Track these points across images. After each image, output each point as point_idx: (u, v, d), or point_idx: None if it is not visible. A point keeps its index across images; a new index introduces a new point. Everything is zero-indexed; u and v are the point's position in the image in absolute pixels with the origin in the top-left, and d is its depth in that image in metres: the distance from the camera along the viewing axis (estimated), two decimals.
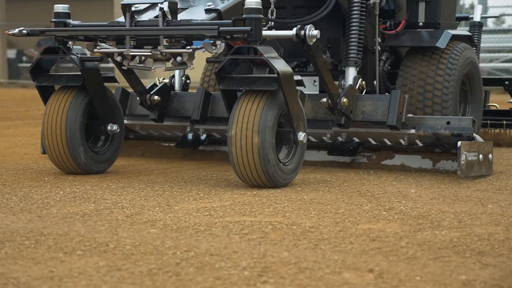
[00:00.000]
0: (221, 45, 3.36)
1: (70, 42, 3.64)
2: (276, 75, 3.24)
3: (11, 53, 17.28)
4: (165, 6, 3.44)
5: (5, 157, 4.45)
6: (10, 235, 2.48)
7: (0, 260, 2.19)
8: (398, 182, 3.60)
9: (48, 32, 3.70)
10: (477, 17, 5.42)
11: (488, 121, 5.17)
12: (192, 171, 3.91)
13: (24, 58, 17.48)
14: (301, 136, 3.41)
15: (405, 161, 3.93)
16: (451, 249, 2.36)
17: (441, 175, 3.81)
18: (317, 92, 4.16)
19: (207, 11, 3.54)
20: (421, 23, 4.45)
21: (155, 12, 3.56)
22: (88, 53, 3.69)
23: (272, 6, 3.90)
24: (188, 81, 4.46)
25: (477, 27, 5.37)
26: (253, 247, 2.35)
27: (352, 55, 3.94)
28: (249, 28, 3.27)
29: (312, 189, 3.39)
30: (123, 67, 3.62)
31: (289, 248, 2.35)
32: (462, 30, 5.36)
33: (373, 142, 3.94)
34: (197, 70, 3.99)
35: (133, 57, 3.57)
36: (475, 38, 5.20)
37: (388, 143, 3.91)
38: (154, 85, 4.14)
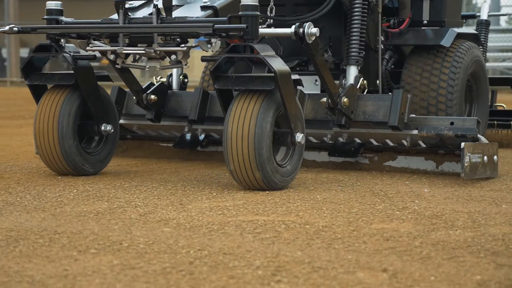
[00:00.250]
0: (216, 43, 3.30)
1: (62, 40, 3.58)
2: (273, 74, 3.17)
3: (24, 52, 17.35)
4: (160, 3, 3.38)
5: (19, 156, 4.46)
6: (24, 233, 2.49)
7: (15, 258, 2.20)
8: (411, 182, 3.59)
9: (40, 30, 3.63)
10: (484, 15, 5.33)
11: (495, 122, 5.08)
12: (204, 170, 3.92)
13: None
14: (299, 137, 3.33)
15: (408, 162, 3.85)
16: (465, 249, 2.35)
17: (455, 175, 3.76)
18: (318, 92, 4.09)
19: (203, 8, 3.48)
20: (425, 21, 4.37)
21: (150, 9, 3.49)
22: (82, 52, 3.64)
23: (272, 4, 3.83)
24: (186, 80, 4.39)
25: (484, 26, 5.28)
26: (267, 246, 2.35)
27: (353, 54, 3.86)
28: (245, 25, 3.20)
29: (325, 189, 3.38)
30: (116, 66, 3.56)
31: (303, 247, 2.35)
32: (468, 28, 5.26)
33: (375, 143, 3.87)
34: (197, 69, 3.93)
35: (127, 55, 3.51)
36: (482, 37, 5.13)
37: (391, 144, 3.84)
38: (151, 84, 4.07)
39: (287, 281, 2.00)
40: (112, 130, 3.73)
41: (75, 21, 3.62)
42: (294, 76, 3.29)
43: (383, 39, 4.17)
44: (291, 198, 3.14)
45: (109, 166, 4.02)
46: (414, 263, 2.18)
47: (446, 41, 4.18)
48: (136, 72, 4.55)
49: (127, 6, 3.47)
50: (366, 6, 3.90)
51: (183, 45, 3.34)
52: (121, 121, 4.23)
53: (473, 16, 5.56)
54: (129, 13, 3.47)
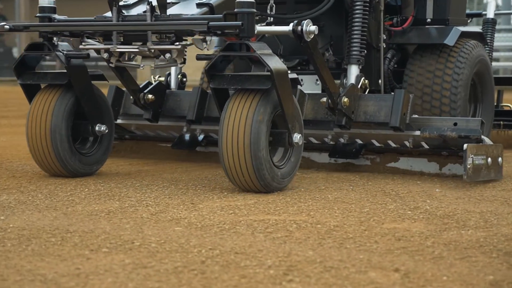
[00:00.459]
0: (211, 41, 3.23)
1: (54, 38, 3.49)
2: (269, 73, 3.09)
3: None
4: (154, 0, 3.31)
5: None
6: (37, 232, 2.50)
7: (27, 256, 2.21)
8: (422, 182, 3.58)
9: (32, 28, 3.56)
10: (490, 14, 5.22)
11: (502, 122, 4.97)
12: (215, 170, 3.91)
13: (47, 57, 17.55)
14: (297, 137, 3.25)
15: (410, 164, 3.76)
16: (477, 249, 2.34)
17: (458, 177, 3.67)
18: (319, 92, 4.00)
19: (199, 5, 3.41)
20: (429, 20, 4.28)
21: (145, 7, 3.39)
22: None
23: (272, 1, 3.76)
24: (184, 79, 4.31)
25: (490, 24, 5.17)
26: (278, 246, 2.35)
27: (354, 53, 3.77)
28: (240, 23, 3.11)
29: (336, 188, 3.38)
30: (110, 65, 3.49)
31: (314, 247, 2.35)
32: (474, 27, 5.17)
33: (377, 144, 3.78)
34: (196, 68, 3.85)
35: (121, 54, 3.43)
36: (488, 36, 5.03)
37: (393, 145, 3.75)
38: (149, 83, 4.00)
39: (299, 280, 2.00)
40: (107, 131, 3.66)
41: (68, 19, 3.54)
42: (292, 75, 3.22)
43: (385, 37, 4.08)
44: (302, 198, 3.14)
45: (120, 165, 4.04)
46: (426, 263, 2.18)
47: (450, 40, 4.10)
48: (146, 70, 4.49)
49: (121, 3, 3.41)
50: (368, 4, 3.81)
51: (177, 43, 3.28)
52: (119, 121, 4.18)
53: (479, 15, 5.46)
54: (123, 11, 3.39)
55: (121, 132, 4.28)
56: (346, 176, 3.71)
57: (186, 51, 4.28)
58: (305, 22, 3.29)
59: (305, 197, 3.15)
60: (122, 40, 3.39)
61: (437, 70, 4.07)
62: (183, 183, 3.48)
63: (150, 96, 3.89)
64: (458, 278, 2.04)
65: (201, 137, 4.07)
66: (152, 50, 3.31)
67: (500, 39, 11.50)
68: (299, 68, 4.16)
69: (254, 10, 3.16)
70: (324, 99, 3.61)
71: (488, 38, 5.04)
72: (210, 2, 3.41)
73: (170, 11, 3.39)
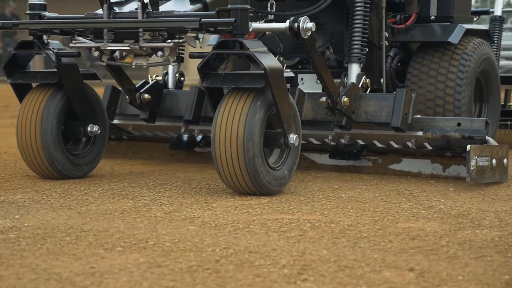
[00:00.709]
0: (204, 39, 3.14)
1: (44, 36, 3.41)
2: (263, 71, 2.98)
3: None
4: None
5: None
6: (51, 231, 2.51)
7: (42, 255, 2.22)
8: (436, 181, 3.57)
9: (21, 26, 3.49)
10: (498, 11, 5.08)
11: (509, 122, 4.85)
12: None
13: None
14: (293, 138, 3.14)
15: (413, 165, 3.67)
16: (492, 248, 2.33)
17: (462, 179, 3.59)
18: (320, 91, 3.88)
19: (192, 1, 3.34)
20: (433, 17, 4.16)
21: (137, 3, 3.29)
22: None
23: None
24: (182, 78, 4.21)
25: (498, 22, 5.03)
26: (292, 245, 2.35)
27: (355, 51, 3.66)
28: (233, 19, 3.01)
29: (350, 187, 3.37)
30: (101, 63, 3.41)
31: (328, 246, 2.35)
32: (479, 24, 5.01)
33: (379, 145, 3.68)
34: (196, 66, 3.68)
35: (113, 52, 3.34)
36: (495, 34, 4.90)
37: (395, 146, 3.65)
38: (145, 82, 3.91)
39: (314, 279, 2.00)
40: (99, 131, 3.57)
41: (58, 17, 3.46)
42: (288, 74, 3.14)
43: (387, 35, 3.97)
44: (315, 197, 3.14)
45: (134, 164, 4.05)
46: (441, 263, 2.17)
47: (454, 38, 3.98)
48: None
49: (112, 0, 3.32)
50: (369, 1, 3.71)
51: (169, 40, 3.19)
52: (116, 121, 4.11)
53: (486, 12, 5.34)
54: (115, 8, 3.31)
55: (118, 132, 4.21)
56: (359, 175, 3.70)
57: (183, 49, 4.16)
58: (302, 19, 3.20)
59: (318, 196, 3.15)
60: (113, 38, 3.30)
61: (441, 68, 3.97)
62: (197, 182, 3.48)
63: (146, 95, 3.81)
64: (473, 277, 2.03)
65: (199, 137, 3.99)
66: (144, 48, 3.23)
67: None
68: (299, 66, 4.07)
69: (248, 6, 3.06)
70: (324, 99, 3.52)
71: (495, 36, 4.91)
72: None
73: (164, 7, 3.32)
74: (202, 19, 3.02)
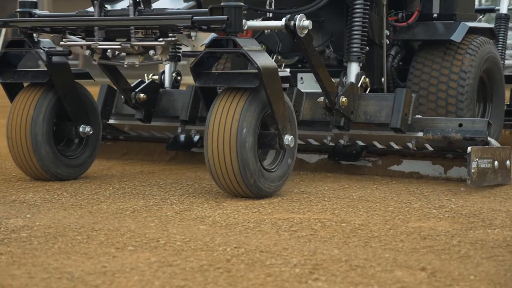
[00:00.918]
0: (197, 37, 3.07)
1: (34, 35, 3.34)
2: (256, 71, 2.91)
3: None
4: None
5: None
6: (63, 230, 2.52)
7: (54, 254, 2.22)
8: (447, 180, 3.55)
9: (11, 23, 3.42)
10: (503, 9, 4.97)
11: None
12: None
13: (71, 56, 17.62)
14: (288, 139, 3.06)
15: (413, 167, 3.60)
16: (504, 248, 2.33)
17: (463, 181, 3.52)
18: (320, 90, 3.71)
19: None
20: (435, 15, 4.05)
21: (128, 1, 3.23)
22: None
23: None
24: (179, 77, 4.13)
25: (504, 20, 4.93)
26: (303, 244, 2.35)
27: (354, 49, 3.57)
28: (226, 17, 2.94)
29: (360, 187, 3.37)
30: (93, 62, 3.34)
31: (339, 245, 2.35)
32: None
33: (379, 146, 3.61)
34: None
35: (104, 50, 3.27)
36: (501, 32, 4.81)
37: (395, 147, 3.57)
38: (141, 81, 3.84)
39: (325, 279, 2.00)
40: (92, 132, 3.50)
41: (48, 14, 3.39)
42: (283, 73, 3.07)
43: (388, 33, 3.88)
44: (326, 196, 3.14)
45: (144, 164, 4.04)
46: (452, 262, 2.17)
47: (457, 36, 3.87)
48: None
49: None
50: None
51: (161, 39, 3.12)
52: (112, 121, 4.05)
53: (492, 10, 5.21)
54: (107, 6, 3.24)
55: (115, 132, 4.15)
56: (369, 175, 3.69)
57: (180, 48, 4.07)
58: (298, 16, 3.13)
59: (329, 196, 3.15)
60: (105, 36, 3.24)
61: (443, 68, 3.87)
62: (207, 182, 3.49)
63: (142, 95, 3.74)
64: (485, 277, 2.02)
65: (196, 138, 3.92)
66: (136, 47, 3.16)
67: None
68: (299, 65, 3.98)
69: (242, 4, 2.99)
70: (321, 99, 3.44)
71: (500, 35, 4.81)
72: None
73: (157, 5, 3.26)
74: (194, 17, 2.96)
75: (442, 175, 3.56)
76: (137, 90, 3.74)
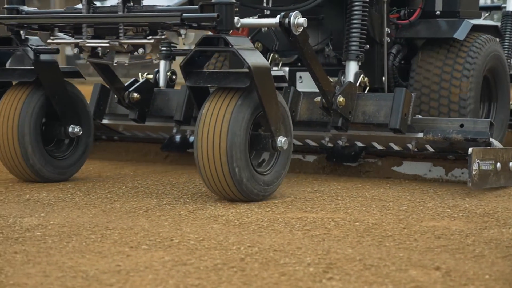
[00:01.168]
0: (187, 35, 2.99)
1: (21, 32, 3.27)
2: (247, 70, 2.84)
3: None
4: None
5: None
6: (77, 229, 2.53)
7: (68, 253, 2.24)
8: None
9: None
10: (510, 7, 4.82)
11: None
12: None
13: (82, 55, 17.66)
14: (282, 141, 2.98)
15: (414, 168, 3.54)
16: None
17: (464, 183, 3.46)
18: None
19: None
20: (438, 12, 3.94)
21: None
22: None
23: None
24: (174, 76, 4.04)
25: (510, 18, 4.78)
26: (317, 244, 2.35)
27: (353, 48, 3.48)
28: (216, 14, 2.86)
29: (373, 186, 3.36)
30: (83, 60, 3.38)
31: (353, 244, 2.35)
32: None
33: (379, 147, 3.54)
34: None
35: (93, 48, 3.20)
36: (507, 30, 4.68)
37: (395, 148, 3.50)
38: (135, 80, 3.76)
39: (339, 278, 2.00)
40: (81, 132, 3.43)
41: (36, 11, 3.33)
42: (277, 72, 3.00)
43: (389, 31, 3.78)
44: (339, 195, 3.14)
45: (157, 163, 4.04)
46: (467, 262, 2.16)
47: (460, 34, 3.78)
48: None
49: None
50: None
51: (150, 37, 3.06)
52: (105, 121, 3.99)
53: (499, 8, 5.07)
54: (95, 2, 3.17)
55: (109, 133, 4.09)
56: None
57: (176, 46, 3.97)
58: (292, 14, 3.04)
59: (342, 195, 3.15)
60: (93, 34, 3.18)
61: (445, 66, 3.78)
62: None
63: (135, 95, 3.66)
64: (500, 276, 2.02)
65: (192, 138, 3.85)
66: (126, 45, 3.10)
67: None
68: (299, 64, 3.89)
69: (233, 1, 2.92)
70: (318, 98, 3.36)
71: (507, 33, 4.68)
72: None
73: (146, 2, 3.19)
74: (184, 14, 2.89)
75: (443, 177, 3.50)
76: (130, 89, 3.66)
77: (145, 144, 4.19)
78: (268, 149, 3.02)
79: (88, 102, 3.68)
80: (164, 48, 4.00)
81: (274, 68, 3.82)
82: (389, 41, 3.79)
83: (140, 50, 3.09)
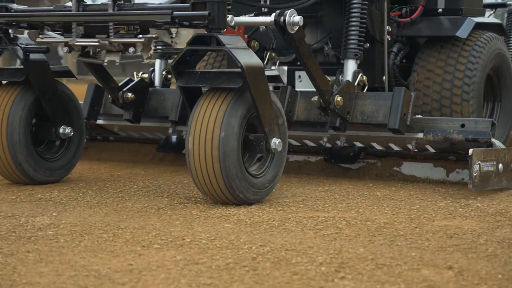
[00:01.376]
0: (179, 34, 2.94)
1: (10, 30, 3.23)
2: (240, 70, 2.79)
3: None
4: None
5: None
6: (89, 228, 2.54)
7: (80, 252, 2.25)
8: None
9: None
10: None
11: None
12: None
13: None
14: (276, 143, 2.92)
15: (414, 169, 3.47)
16: None
17: (465, 184, 3.42)
18: None
19: None
20: (440, 9, 3.87)
21: None
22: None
23: None
24: (169, 76, 3.99)
25: None
26: (328, 243, 2.35)
27: (351, 46, 3.43)
28: (207, 12, 2.80)
29: (385, 185, 3.36)
30: (73, 60, 3.24)
31: (365, 244, 2.35)
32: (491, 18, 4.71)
33: (378, 148, 3.48)
34: None
35: (84, 47, 3.14)
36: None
37: (395, 148, 3.44)
38: (130, 80, 3.70)
39: (351, 277, 2.00)
40: (72, 133, 3.38)
41: (25, 9, 3.27)
42: (271, 72, 2.94)
43: (390, 29, 3.71)
44: (350, 195, 3.14)
45: (167, 163, 4.03)
46: (479, 261, 2.16)
47: (463, 32, 3.70)
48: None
49: None
50: None
51: (140, 36, 3.00)
52: (100, 122, 3.94)
53: (504, 5, 4.99)
54: (86, 0, 3.12)
55: (104, 133, 4.05)
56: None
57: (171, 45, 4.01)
58: (288, 12, 2.98)
59: (353, 194, 3.15)
60: (83, 32, 3.12)
61: (447, 65, 3.70)
62: None
63: (130, 94, 3.59)
64: None
65: None
66: (117, 44, 3.04)
67: None
68: (298, 63, 3.80)
69: None
70: (316, 98, 3.30)
71: None
72: None
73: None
74: (174, 12, 2.82)
75: (444, 178, 3.45)
76: (124, 89, 3.60)
77: (140, 144, 4.14)
78: (262, 151, 2.96)
79: (82, 102, 3.64)
80: (160, 47, 3.94)
81: (272, 67, 3.78)
82: (389, 39, 3.72)
83: (131, 49, 3.03)
